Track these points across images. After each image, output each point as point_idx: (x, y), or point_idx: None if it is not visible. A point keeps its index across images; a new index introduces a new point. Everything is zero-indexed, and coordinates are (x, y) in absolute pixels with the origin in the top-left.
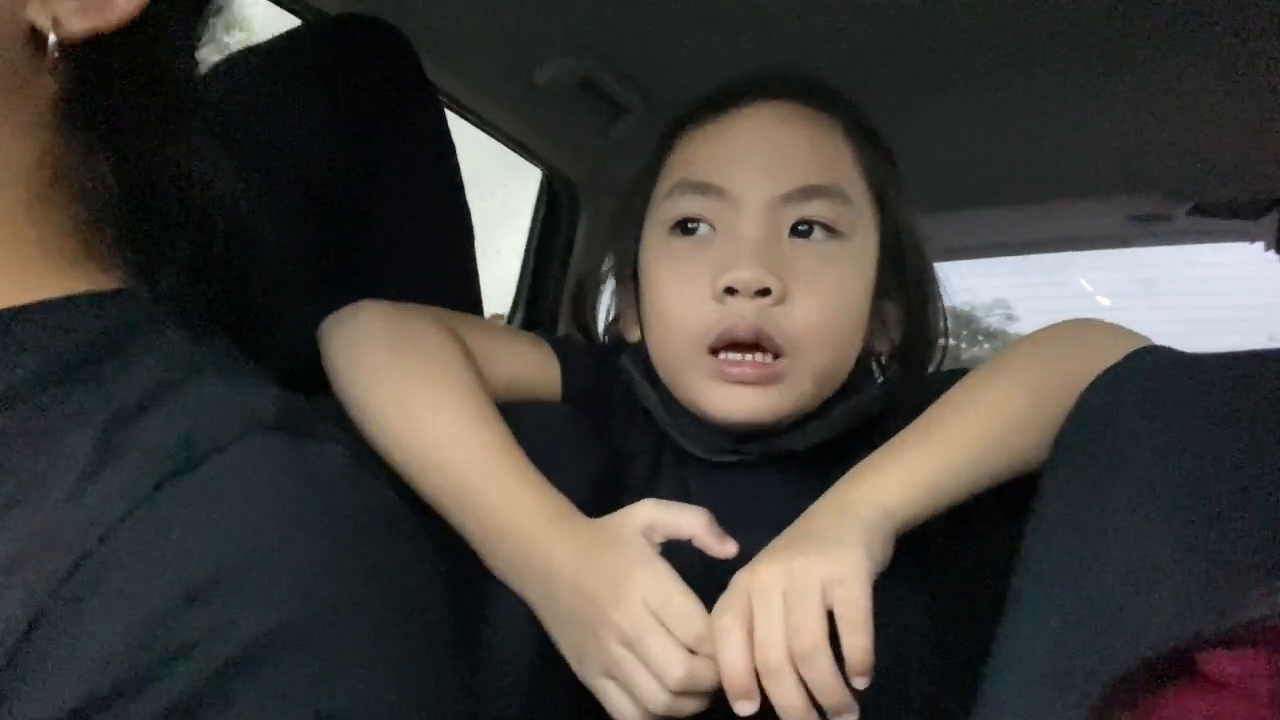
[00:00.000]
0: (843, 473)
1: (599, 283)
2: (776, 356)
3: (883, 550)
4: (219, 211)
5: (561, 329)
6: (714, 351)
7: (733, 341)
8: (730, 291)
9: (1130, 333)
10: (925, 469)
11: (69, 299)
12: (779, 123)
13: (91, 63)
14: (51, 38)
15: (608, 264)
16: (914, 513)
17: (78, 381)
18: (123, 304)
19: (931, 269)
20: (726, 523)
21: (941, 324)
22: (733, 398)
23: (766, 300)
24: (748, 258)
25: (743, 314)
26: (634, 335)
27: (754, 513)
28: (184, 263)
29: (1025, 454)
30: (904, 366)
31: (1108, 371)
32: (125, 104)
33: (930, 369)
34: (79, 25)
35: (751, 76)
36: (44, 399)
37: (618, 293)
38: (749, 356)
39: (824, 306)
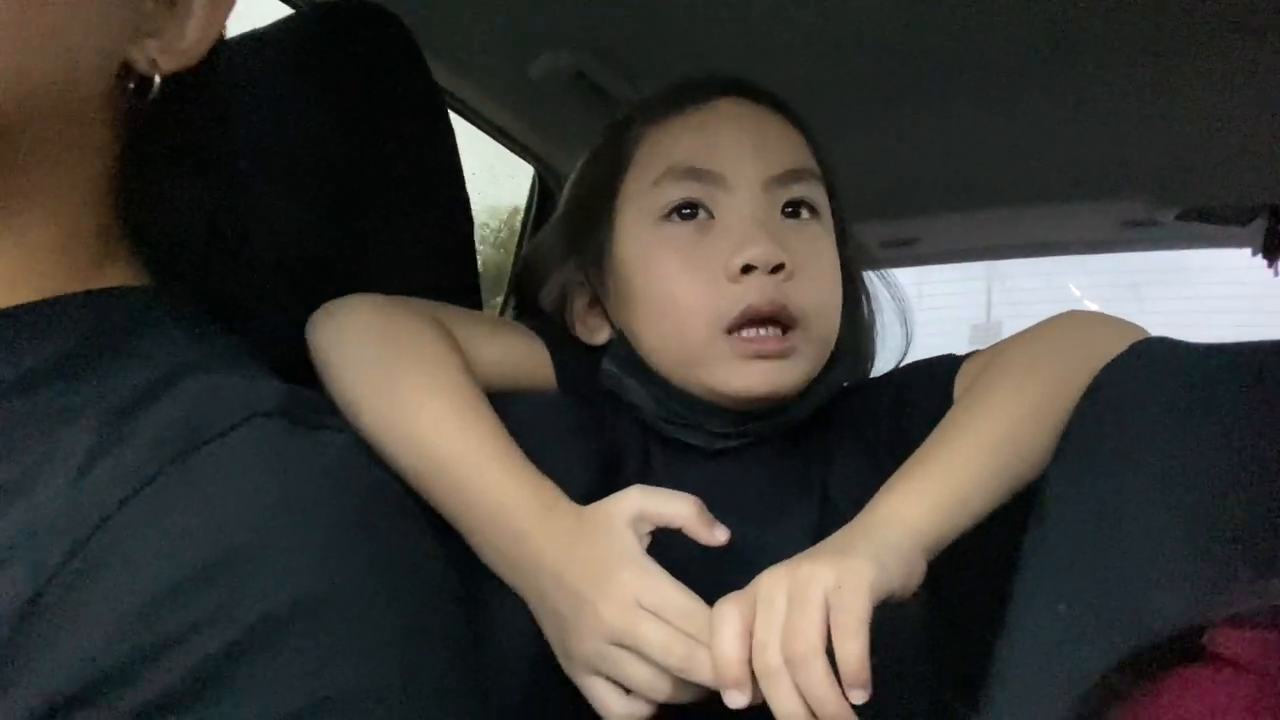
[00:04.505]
0: (822, 447)
1: (555, 272)
2: (786, 331)
3: (901, 567)
4: (228, 210)
5: None
6: (728, 331)
7: (751, 318)
8: (746, 270)
9: (1126, 323)
10: (949, 482)
11: (75, 295)
12: (754, 114)
13: (160, 92)
14: (157, 78)
15: (565, 268)
16: (944, 529)
17: (80, 374)
18: (130, 299)
19: (859, 260)
20: (721, 511)
21: (867, 314)
22: (756, 372)
23: (780, 275)
24: (760, 236)
25: (762, 289)
26: (601, 337)
27: (746, 500)
28: (191, 259)
29: (1042, 453)
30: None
31: (1114, 363)
32: (182, 129)
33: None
34: (169, 65)
35: (710, 78)
36: (46, 391)
37: (575, 296)
38: (764, 331)
39: (823, 280)
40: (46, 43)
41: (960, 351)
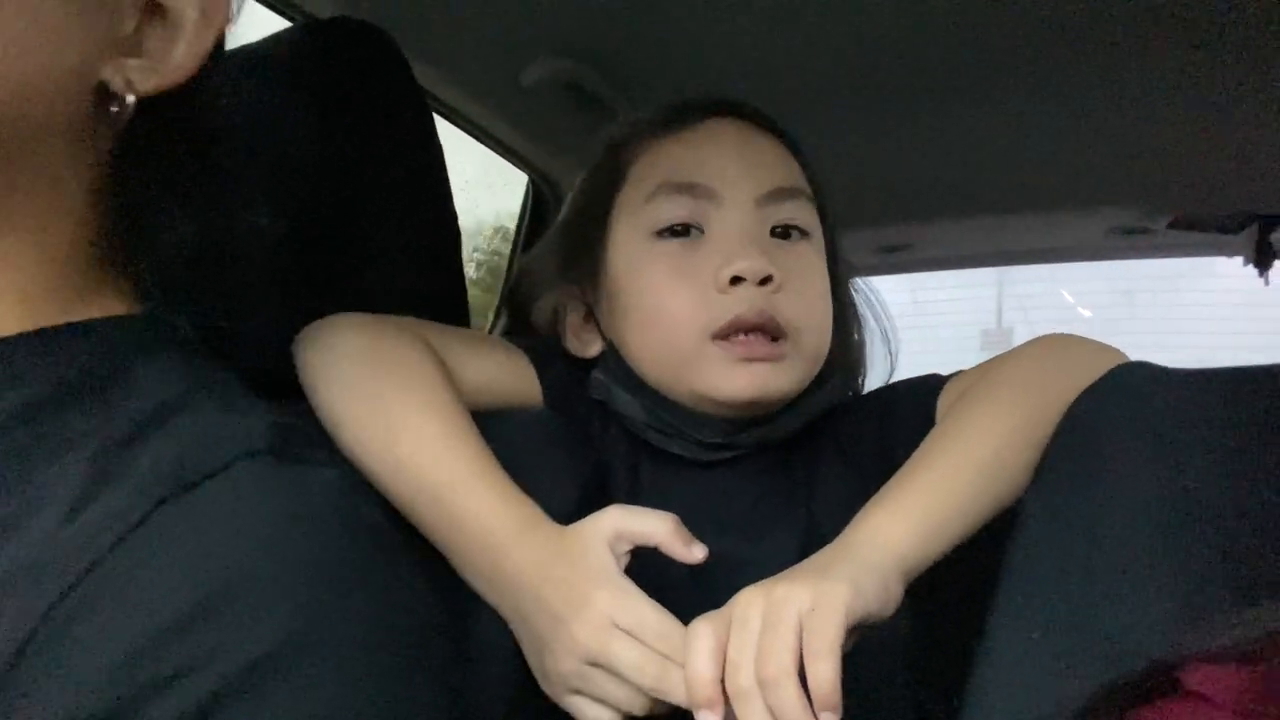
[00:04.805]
0: (808, 463)
1: (549, 287)
2: (774, 340)
3: (879, 590)
4: (218, 227)
5: None
6: (715, 339)
7: (740, 327)
8: (735, 282)
9: (1107, 347)
10: (930, 504)
11: (70, 326)
12: (746, 134)
13: (146, 113)
14: (130, 98)
15: (559, 283)
16: (924, 551)
17: (74, 407)
18: (121, 330)
19: (849, 281)
20: (706, 525)
21: (857, 335)
22: (745, 375)
23: (768, 288)
24: (750, 249)
25: (751, 300)
26: (593, 350)
27: (733, 514)
28: (181, 278)
29: (1022, 476)
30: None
31: (1091, 388)
32: (172, 149)
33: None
34: (148, 84)
35: (703, 99)
36: (40, 425)
37: (569, 310)
38: (753, 336)
39: (811, 296)
40: (10, 57)
41: (970, 357)
